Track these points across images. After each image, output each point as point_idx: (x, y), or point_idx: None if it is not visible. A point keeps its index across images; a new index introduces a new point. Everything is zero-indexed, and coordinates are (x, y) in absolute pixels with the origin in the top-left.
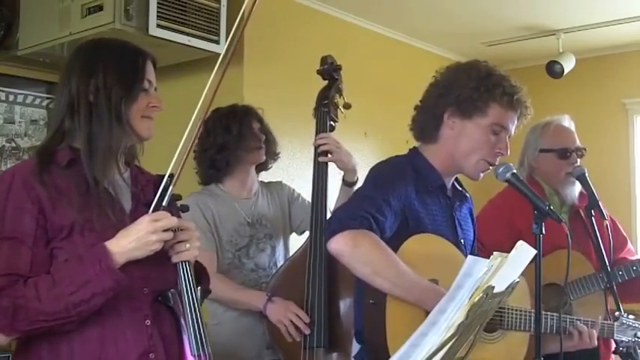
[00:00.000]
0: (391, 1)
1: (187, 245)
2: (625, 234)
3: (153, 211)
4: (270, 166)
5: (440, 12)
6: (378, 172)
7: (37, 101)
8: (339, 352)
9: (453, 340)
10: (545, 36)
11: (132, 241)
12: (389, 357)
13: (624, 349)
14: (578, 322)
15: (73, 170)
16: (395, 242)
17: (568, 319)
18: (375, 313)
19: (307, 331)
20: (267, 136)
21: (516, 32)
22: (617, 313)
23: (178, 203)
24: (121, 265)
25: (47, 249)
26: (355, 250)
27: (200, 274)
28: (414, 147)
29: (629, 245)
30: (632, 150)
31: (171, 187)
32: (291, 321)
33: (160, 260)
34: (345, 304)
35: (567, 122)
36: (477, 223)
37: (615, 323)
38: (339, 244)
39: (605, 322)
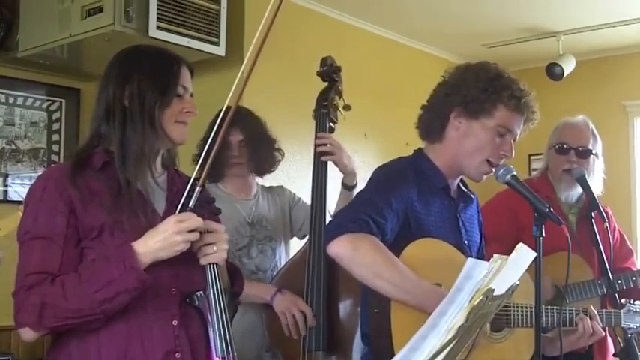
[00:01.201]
0: (390, 2)
1: (214, 248)
2: (631, 247)
3: (180, 213)
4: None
5: (439, 13)
6: (379, 175)
7: (37, 103)
8: (338, 355)
9: (453, 342)
10: (545, 38)
11: (158, 241)
12: None
13: (633, 335)
14: (582, 313)
15: (107, 173)
16: (396, 247)
17: (567, 312)
18: (380, 322)
19: (303, 332)
20: (254, 149)
21: (516, 34)
22: (622, 300)
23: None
24: (150, 265)
25: (78, 248)
26: (354, 253)
27: (234, 276)
28: (419, 148)
29: (633, 258)
30: (633, 152)
31: (197, 189)
32: (294, 316)
33: (189, 262)
34: (345, 306)
35: (580, 122)
36: (481, 215)
37: (622, 310)
38: (339, 248)
39: (612, 310)
